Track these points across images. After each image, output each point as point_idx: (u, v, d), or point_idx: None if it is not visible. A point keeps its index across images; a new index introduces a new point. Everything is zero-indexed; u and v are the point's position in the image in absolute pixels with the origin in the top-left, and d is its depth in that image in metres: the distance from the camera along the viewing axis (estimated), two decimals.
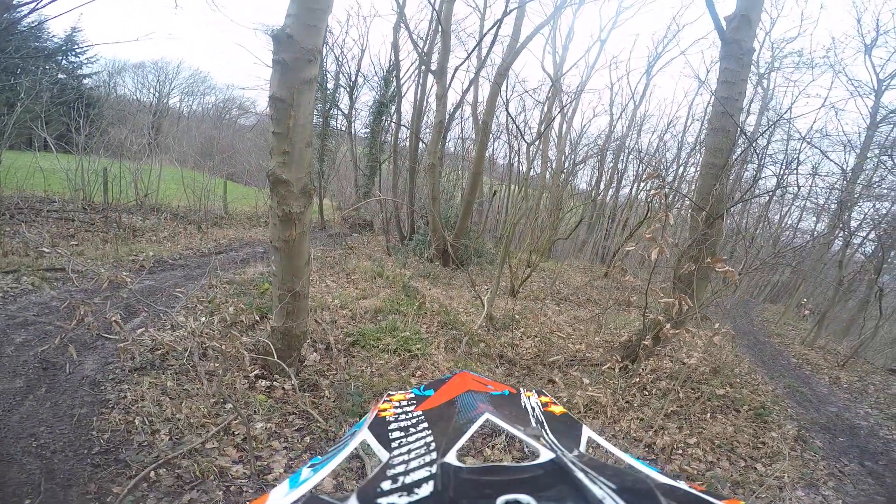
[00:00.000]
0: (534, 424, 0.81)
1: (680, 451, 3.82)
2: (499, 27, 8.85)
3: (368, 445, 0.75)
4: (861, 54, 14.16)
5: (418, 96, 11.16)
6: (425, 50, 10.74)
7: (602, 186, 19.14)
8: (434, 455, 0.59)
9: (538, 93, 15.80)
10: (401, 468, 0.55)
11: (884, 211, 12.61)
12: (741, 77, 4.65)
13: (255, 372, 3.51)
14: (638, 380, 4.75)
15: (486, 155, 14.58)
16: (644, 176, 15.16)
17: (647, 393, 4.69)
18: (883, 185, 13.38)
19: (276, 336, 3.45)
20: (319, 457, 0.76)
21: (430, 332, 5.24)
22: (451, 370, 4.37)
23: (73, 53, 19.49)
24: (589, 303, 9.56)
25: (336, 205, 17.16)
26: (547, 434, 0.76)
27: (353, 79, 16.31)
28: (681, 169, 18.47)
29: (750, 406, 5.00)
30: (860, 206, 13.27)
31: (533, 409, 0.91)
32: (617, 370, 4.60)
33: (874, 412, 6.32)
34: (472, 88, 12.45)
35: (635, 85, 23.61)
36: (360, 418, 3.25)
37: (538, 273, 11.33)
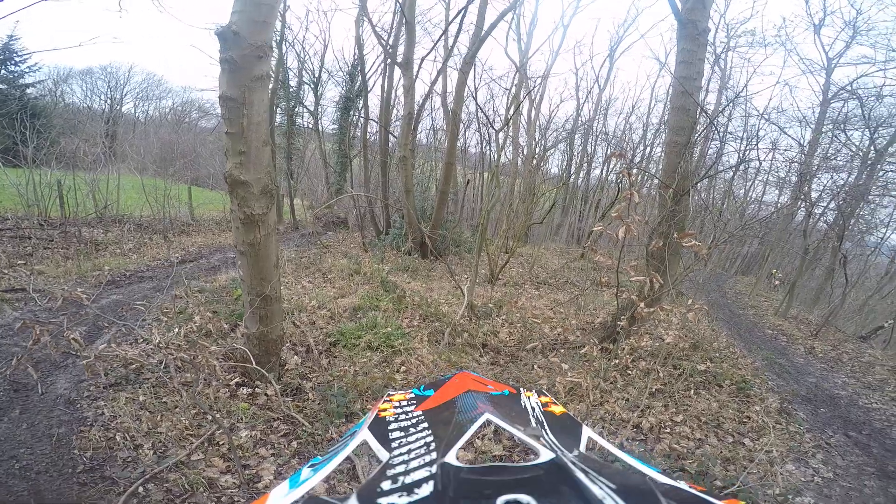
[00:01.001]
0: (534, 424, 0.81)
1: (668, 430, 3.84)
2: (463, 16, 8.79)
3: (367, 444, 0.75)
4: (811, 33, 14.65)
5: (386, 90, 11.03)
6: (390, 42, 10.60)
7: (573, 170, 19.41)
8: (434, 455, 0.59)
9: (505, 80, 15.84)
10: (401, 468, 0.56)
11: (841, 182, 13.27)
12: (698, 56, 4.72)
13: (236, 380, 3.46)
14: (617, 361, 4.78)
15: (458, 144, 14.61)
16: (608, 156, 15.40)
17: (629, 373, 4.73)
18: (839, 158, 14.04)
19: (253, 342, 3.39)
20: (319, 457, 0.76)
21: (411, 326, 5.22)
22: (435, 363, 4.38)
23: (13, 62, 18.43)
24: (567, 285, 9.70)
25: (308, 204, 16.86)
26: (547, 434, 0.76)
27: (316, 75, 16.00)
28: (647, 149, 18.90)
29: (731, 380, 5.07)
30: (819, 178, 13.89)
31: (533, 409, 0.92)
32: (595, 352, 4.66)
33: (851, 381, 6.46)
34: (440, 79, 12.39)
35: (599, 69, 23.93)
36: (346, 419, 3.23)
37: (516, 259, 11.42)
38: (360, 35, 11.66)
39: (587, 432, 0.83)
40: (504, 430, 0.68)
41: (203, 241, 9.67)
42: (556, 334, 5.78)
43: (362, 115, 12.91)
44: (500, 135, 10.41)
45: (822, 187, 14.08)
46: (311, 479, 0.63)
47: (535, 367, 4.71)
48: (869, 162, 12.79)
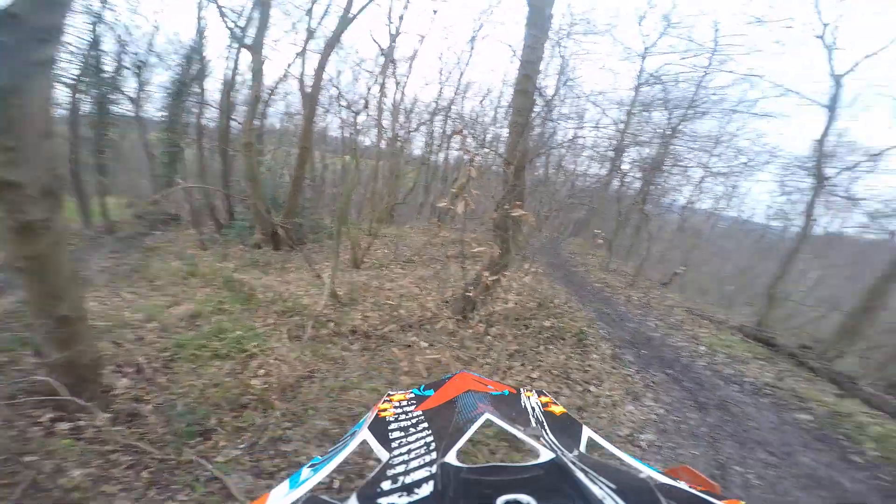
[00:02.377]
0: (534, 424, 0.82)
1: (529, 387, 4.28)
2: None
3: (367, 444, 0.74)
4: (636, 24, 17.23)
5: (231, 73, 10.13)
6: (241, 24, 9.62)
7: (434, 150, 20.06)
8: (434, 455, 0.60)
9: (370, 63, 15.50)
10: (401, 468, 0.56)
11: (645, 155, 16.27)
12: (541, 42, 5.02)
13: (49, 415, 2.92)
14: (471, 331, 4.90)
15: (320, 128, 13.99)
16: (450, 133, 16.15)
17: (489, 340, 4.92)
18: (644, 135, 17.11)
19: (59, 371, 2.89)
20: (319, 457, 0.74)
21: (266, 324, 4.95)
22: (299, 359, 4.24)
23: None
24: (432, 261, 10.07)
25: (128, 201, 14.40)
26: (547, 434, 0.78)
27: (142, 59, 13.55)
28: (500, 130, 20.46)
29: (572, 333, 5.56)
30: (629, 153, 16.80)
31: (533, 409, 0.92)
32: (451, 325, 4.67)
33: (660, 323, 7.60)
34: (300, 61, 11.66)
35: (460, 54, 24.89)
36: (201, 437, 3.01)
37: (381, 240, 11.50)
38: (200, 15, 10.33)
39: (587, 432, 0.84)
40: (504, 430, 0.68)
41: None
42: (425, 310, 5.89)
43: (199, 99, 11.48)
44: (364, 118, 10.25)
45: (631, 160, 17.05)
46: (311, 479, 0.62)
47: (392, 349, 4.68)
48: (665, 139, 15.84)
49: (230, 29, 9.41)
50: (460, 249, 4.67)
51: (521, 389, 1.02)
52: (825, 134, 9.30)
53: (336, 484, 2.49)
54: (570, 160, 20.11)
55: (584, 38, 18.51)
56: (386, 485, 0.48)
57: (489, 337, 5.09)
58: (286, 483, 0.62)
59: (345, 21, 8.56)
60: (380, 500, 0.43)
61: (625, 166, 16.23)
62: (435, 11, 15.85)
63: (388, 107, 16.33)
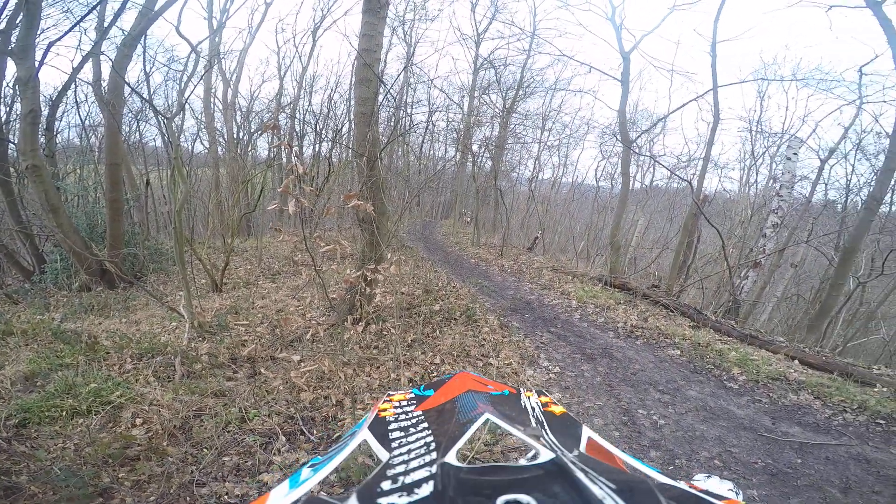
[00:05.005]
0: (534, 424, 0.83)
1: (434, 373, 4.10)
2: None
3: (367, 444, 0.75)
4: (468, 10, 18.24)
5: None
6: (1, 27, 7.69)
7: (283, 151, 18.94)
8: (434, 455, 0.60)
9: (181, 62, 13.75)
10: (401, 468, 0.57)
11: (489, 135, 17.88)
12: (378, 30, 5.09)
13: None
14: (350, 333, 4.82)
15: (132, 140, 12.09)
16: (262, 130, 14.93)
17: (374, 337, 4.85)
18: (485, 116, 18.71)
19: None
20: (319, 457, 0.74)
21: (124, 371, 4.39)
22: (179, 399, 3.84)
23: None
24: (304, 267, 9.68)
25: None
26: (547, 434, 0.78)
27: None
28: (352, 123, 20.16)
29: (460, 311, 5.68)
30: (475, 134, 18.27)
31: (533, 409, 0.93)
32: (322, 334, 4.49)
33: (534, 286, 8.12)
34: (90, 65, 9.84)
35: (301, 47, 23.50)
36: (101, 497, 2.67)
37: (240, 256, 10.67)
38: None
39: (587, 432, 0.85)
40: (504, 430, 0.69)
41: None
42: (305, 322, 5.62)
43: None
44: (191, 122, 9.16)
45: (477, 141, 18.60)
46: (311, 479, 0.63)
47: (262, 370, 4.35)
48: (503, 118, 17.54)
49: None
50: (307, 252, 4.36)
51: (521, 389, 1.05)
52: (623, 104, 11.32)
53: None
54: (427, 145, 21.07)
55: (421, 25, 19.29)
56: (386, 485, 0.48)
57: (371, 336, 4.98)
58: (286, 483, 0.63)
59: (146, 19, 7.55)
60: (380, 500, 0.43)
61: (474, 147, 17.63)
62: (267, 3, 14.77)
63: (218, 108, 14.93)
